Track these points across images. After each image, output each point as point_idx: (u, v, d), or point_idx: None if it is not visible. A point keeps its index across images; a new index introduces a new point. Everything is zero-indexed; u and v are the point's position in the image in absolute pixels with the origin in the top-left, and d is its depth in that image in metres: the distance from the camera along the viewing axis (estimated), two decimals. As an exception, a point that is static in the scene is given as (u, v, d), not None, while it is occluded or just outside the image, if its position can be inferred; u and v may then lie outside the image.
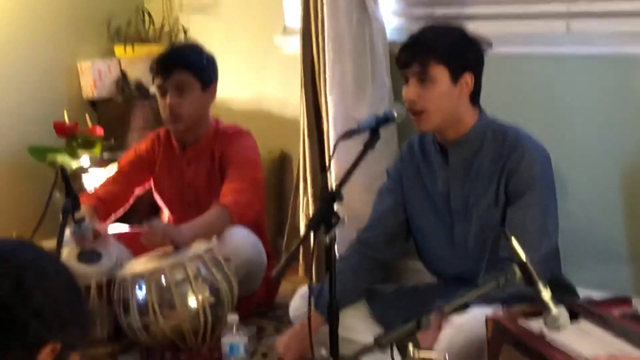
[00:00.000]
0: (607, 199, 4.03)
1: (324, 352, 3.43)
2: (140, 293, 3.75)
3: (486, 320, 3.03)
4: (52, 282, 1.73)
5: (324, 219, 3.19)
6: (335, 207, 3.19)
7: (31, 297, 1.69)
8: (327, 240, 3.20)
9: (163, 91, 4.23)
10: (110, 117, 5.42)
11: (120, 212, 4.43)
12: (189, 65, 4.22)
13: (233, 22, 5.29)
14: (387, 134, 3.96)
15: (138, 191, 4.48)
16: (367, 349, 2.58)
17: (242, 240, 4.13)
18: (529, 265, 2.58)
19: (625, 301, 3.13)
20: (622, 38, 3.96)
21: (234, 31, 5.27)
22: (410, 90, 3.39)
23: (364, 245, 3.62)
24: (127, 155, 4.52)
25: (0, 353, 1.66)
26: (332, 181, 4.28)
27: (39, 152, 5.14)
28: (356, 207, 4.18)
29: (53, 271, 1.76)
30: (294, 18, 4.91)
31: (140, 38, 5.50)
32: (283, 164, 5.10)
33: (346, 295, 3.46)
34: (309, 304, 3.32)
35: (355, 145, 3.34)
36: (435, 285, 3.67)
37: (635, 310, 3.03)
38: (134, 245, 4.07)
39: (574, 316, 2.92)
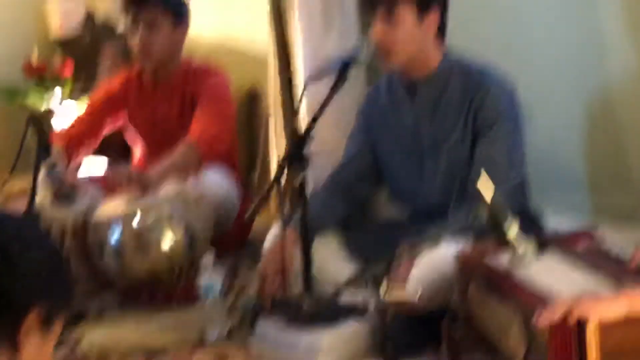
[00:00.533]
0: (570, 126, 4.07)
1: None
2: (115, 236, 3.75)
3: (455, 257, 3.05)
4: (35, 251, 1.75)
5: (296, 156, 3.24)
6: (305, 149, 3.24)
7: (16, 266, 1.72)
8: (298, 181, 3.26)
9: (134, 26, 4.19)
10: (79, 57, 5.37)
11: (91, 150, 4.42)
12: (160, 0, 4.18)
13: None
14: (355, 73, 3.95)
15: (108, 129, 4.45)
16: (342, 289, 2.63)
17: (215, 181, 4.11)
18: (496, 204, 2.63)
19: (589, 233, 3.18)
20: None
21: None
22: (378, 29, 3.40)
23: (336, 183, 3.65)
24: (98, 94, 4.50)
25: None
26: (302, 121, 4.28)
27: (9, 94, 5.12)
28: (327, 141, 4.20)
29: (36, 241, 1.78)
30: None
31: (107, -25, 5.44)
32: (253, 100, 5.09)
33: (323, 219, 3.51)
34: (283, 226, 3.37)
35: (321, 85, 3.38)
36: (404, 222, 3.69)
37: (598, 244, 3.07)
38: (108, 186, 4.06)
39: (541, 249, 2.98)
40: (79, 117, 4.47)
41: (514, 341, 2.71)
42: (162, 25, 4.19)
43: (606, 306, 2.48)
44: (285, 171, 3.37)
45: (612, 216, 3.94)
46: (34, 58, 5.17)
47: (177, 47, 4.28)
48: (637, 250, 2.88)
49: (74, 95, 5.10)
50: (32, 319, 1.75)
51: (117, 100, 4.41)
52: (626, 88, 3.91)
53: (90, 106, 4.46)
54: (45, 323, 1.77)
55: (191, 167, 4.08)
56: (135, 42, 4.21)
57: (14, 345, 1.73)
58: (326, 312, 3.23)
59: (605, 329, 2.46)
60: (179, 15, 4.24)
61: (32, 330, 1.75)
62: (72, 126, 4.42)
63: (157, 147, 4.33)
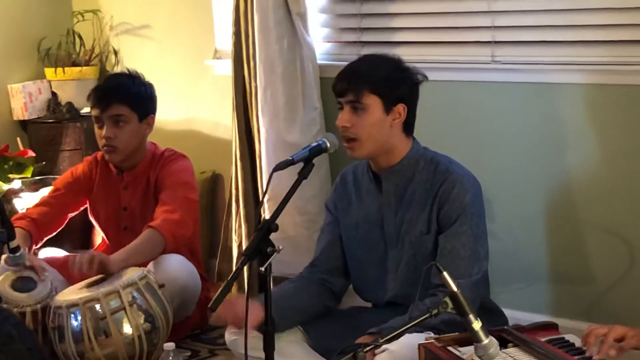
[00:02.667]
0: (531, 221, 4.09)
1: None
2: (76, 321, 3.75)
3: (419, 347, 3.04)
4: (15, 344, 1.76)
5: (259, 249, 3.23)
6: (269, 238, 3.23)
7: None
8: (263, 270, 3.24)
9: (100, 122, 4.22)
10: (41, 139, 5.37)
11: (53, 233, 4.39)
12: (126, 98, 4.21)
13: (164, 43, 5.27)
14: (319, 159, 3.97)
15: (72, 213, 4.44)
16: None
17: (177, 266, 4.12)
18: (460, 296, 2.64)
19: (551, 327, 3.19)
20: (543, 67, 4.02)
21: (165, 53, 5.26)
22: (344, 117, 3.42)
23: (312, 280, 3.61)
24: (64, 177, 4.49)
25: None
26: (266, 209, 4.28)
27: (-30, 176, 5.09)
28: (289, 228, 4.22)
29: (17, 335, 1.78)
30: (225, 41, 4.92)
31: (71, 60, 5.45)
32: (215, 184, 5.10)
33: (293, 310, 3.47)
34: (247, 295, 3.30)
35: (287, 173, 3.39)
36: (367, 309, 3.68)
37: (561, 336, 3.08)
38: (69, 270, 4.02)
39: (503, 344, 2.98)
40: (43, 199, 4.46)
41: None
42: (128, 121, 4.21)
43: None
44: (250, 262, 3.35)
45: (572, 310, 3.97)
46: (-5, 139, 5.17)
47: (143, 139, 4.30)
48: (602, 344, 2.91)
49: (35, 177, 5.06)
50: None
51: (83, 185, 4.41)
52: (585, 186, 3.96)
53: (55, 188, 4.44)
54: None
55: (155, 251, 4.08)
56: (100, 136, 4.23)
57: None
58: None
59: None
60: (145, 111, 4.27)
61: None
62: (36, 207, 4.40)
63: (120, 231, 4.33)
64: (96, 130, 4.26)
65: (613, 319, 3.12)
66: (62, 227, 4.42)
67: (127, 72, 4.46)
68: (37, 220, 4.28)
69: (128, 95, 4.22)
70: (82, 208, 4.45)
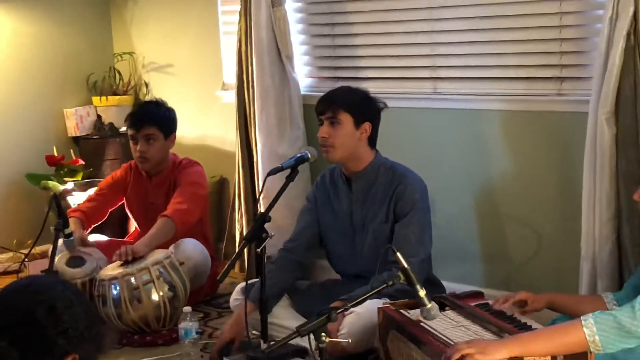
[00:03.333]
0: (463, 214, 4.09)
1: (255, 332, 3.45)
2: (115, 291, 3.74)
3: (378, 310, 3.06)
4: (75, 309, 1.73)
5: (256, 235, 3.23)
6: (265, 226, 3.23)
7: (60, 320, 1.70)
8: (259, 251, 3.24)
9: (135, 140, 4.19)
10: (89, 151, 5.34)
11: (99, 222, 4.36)
12: (155, 121, 4.18)
13: (184, 78, 5.24)
14: (302, 166, 3.97)
15: (112, 208, 4.41)
16: (291, 336, 2.60)
17: (192, 248, 4.10)
18: (410, 271, 2.64)
19: (478, 294, 3.20)
20: (473, 97, 4.00)
21: (185, 85, 5.23)
22: (324, 130, 3.44)
23: (289, 252, 3.61)
24: (106, 180, 4.45)
25: None
26: (261, 205, 4.26)
27: (34, 178, 5.06)
28: (279, 219, 4.20)
29: (76, 301, 1.76)
30: (230, 76, 4.89)
31: (112, 90, 5.42)
32: (222, 186, 5.08)
33: (275, 289, 3.47)
34: (245, 297, 3.36)
35: (278, 177, 3.39)
36: (339, 281, 3.68)
37: (486, 301, 3.08)
38: (110, 251, 4.01)
39: (442, 307, 2.99)
40: (90, 196, 4.43)
41: (424, 377, 2.70)
42: (156, 139, 4.18)
43: (491, 350, 2.48)
44: (249, 245, 3.36)
45: (495, 281, 3.98)
46: (55, 151, 5.13)
47: (167, 152, 4.27)
48: (495, 301, 2.94)
49: (84, 180, 5.04)
50: None
51: (120, 186, 4.38)
52: (504, 186, 3.96)
53: (100, 188, 4.42)
54: None
55: (169, 234, 4.05)
56: (135, 150, 4.21)
57: None
58: (278, 353, 3.20)
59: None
60: (169, 131, 4.23)
61: None
62: (85, 202, 4.37)
63: (148, 222, 4.29)
64: (132, 145, 4.23)
65: (525, 287, 3.11)
66: (106, 218, 4.39)
67: (155, 100, 4.44)
68: (87, 212, 4.25)
69: (156, 118, 4.19)
70: (119, 203, 4.42)
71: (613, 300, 2.85)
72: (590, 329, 2.43)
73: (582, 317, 2.46)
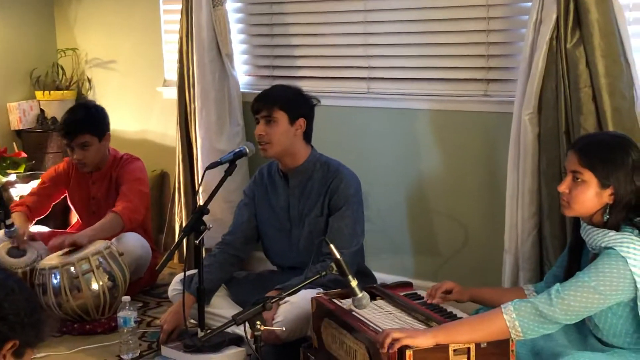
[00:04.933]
0: (395, 209, 4.09)
1: (193, 321, 3.41)
2: (55, 280, 3.67)
3: (312, 300, 3.04)
4: (16, 296, 1.73)
5: (195, 227, 3.19)
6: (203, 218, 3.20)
7: (1, 307, 1.69)
8: (197, 242, 3.21)
9: (71, 147, 4.12)
10: (31, 144, 5.22)
11: (42, 216, 4.30)
12: (87, 128, 4.09)
13: (126, 74, 5.16)
14: (240, 161, 3.94)
15: (55, 201, 4.34)
16: (227, 324, 2.58)
17: (133, 241, 4.06)
18: (342, 262, 2.63)
19: (407, 285, 3.21)
20: (405, 97, 4.01)
21: (127, 81, 5.15)
22: (260, 128, 3.41)
23: (227, 245, 3.56)
24: (48, 173, 4.37)
25: None
26: (200, 198, 4.22)
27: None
28: (217, 212, 4.17)
29: (18, 289, 1.76)
30: (171, 73, 4.83)
31: (55, 85, 5.31)
32: (163, 179, 5.01)
33: (213, 283, 3.45)
34: (183, 288, 3.33)
35: (216, 171, 3.36)
36: (275, 272, 3.65)
37: (414, 291, 3.10)
38: (50, 244, 3.94)
39: (373, 297, 2.99)
40: (33, 190, 4.35)
41: (356, 363, 2.70)
42: (92, 144, 4.11)
43: (419, 337, 2.50)
44: (187, 237, 3.33)
45: (424, 273, 4.00)
46: (-3, 144, 5.03)
47: (104, 151, 4.20)
48: (427, 296, 2.97)
49: (26, 173, 4.93)
50: (6, 349, 1.71)
51: (62, 180, 4.30)
52: (433, 182, 3.99)
53: (42, 181, 4.34)
54: (18, 352, 1.73)
55: (115, 230, 4.01)
56: (73, 157, 4.14)
57: None
58: (214, 341, 3.17)
59: (418, 353, 2.48)
60: (102, 131, 4.15)
61: (8, 357, 1.72)
62: (28, 196, 4.30)
63: (90, 215, 4.24)
64: (69, 152, 4.17)
65: (451, 278, 3.13)
66: (48, 211, 4.31)
67: (82, 103, 4.35)
68: (30, 206, 4.18)
69: (88, 125, 4.10)
70: (62, 197, 4.34)
71: (533, 291, 2.89)
72: (510, 316, 2.47)
73: (502, 305, 2.50)
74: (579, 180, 2.58)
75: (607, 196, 2.55)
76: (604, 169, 2.54)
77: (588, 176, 2.56)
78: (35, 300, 1.82)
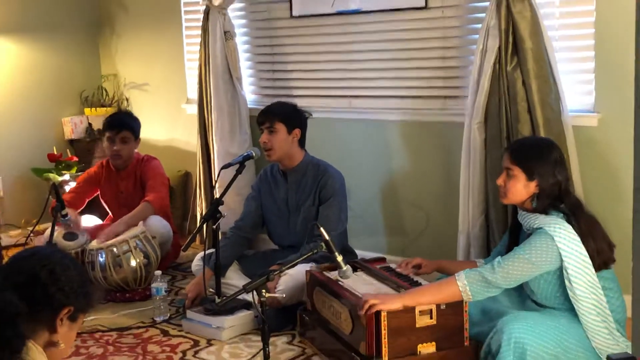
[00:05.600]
0: (371, 199, 4.09)
1: (211, 290, 3.42)
2: (102, 258, 3.67)
3: (306, 272, 3.07)
4: (70, 272, 1.73)
5: (213, 215, 3.20)
6: (219, 208, 3.20)
7: (58, 280, 1.70)
8: (214, 227, 3.22)
9: (112, 140, 4.10)
10: (81, 150, 5.21)
11: (78, 209, 4.20)
12: (130, 127, 4.10)
13: (156, 94, 5.14)
14: (248, 162, 3.94)
15: (89, 198, 4.29)
16: (238, 292, 2.59)
17: (158, 224, 4.01)
18: (330, 242, 2.65)
19: (382, 259, 3.23)
20: (379, 110, 4.01)
21: (157, 100, 5.13)
22: (264, 137, 3.43)
23: (238, 229, 3.57)
24: (83, 176, 4.32)
25: (35, 313, 1.65)
26: (217, 192, 4.22)
27: (38, 172, 4.92)
28: (230, 203, 4.16)
29: (71, 265, 1.76)
30: (193, 93, 4.82)
31: (100, 103, 5.30)
32: (187, 178, 4.99)
33: (228, 259, 3.45)
34: (204, 264, 3.33)
35: (229, 170, 3.36)
36: (277, 250, 3.66)
37: (388, 265, 3.12)
38: (94, 233, 3.94)
39: (354, 269, 3.01)
40: (71, 189, 4.33)
41: (344, 323, 2.72)
42: (129, 140, 4.10)
43: (390, 302, 2.51)
44: (206, 222, 3.33)
45: (394, 249, 4.01)
46: (54, 150, 5.00)
47: (133, 152, 4.18)
48: (398, 265, 2.98)
49: (78, 173, 4.92)
50: (63, 314, 1.71)
51: (94, 180, 4.26)
52: (402, 179, 3.99)
53: (78, 183, 4.30)
54: (73, 317, 1.74)
55: (146, 216, 3.96)
56: (111, 149, 4.11)
57: (52, 329, 1.70)
58: (229, 305, 3.19)
59: (390, 315, 2.50)
60: (137, 135, 4.17)
61: (64, 320, 1.71)
62: (68, 193, 4.26)
63: (120, 208, 4.19)
64: (107, 145, 4.13)
65: (417, 254, 3.15)
66: (83, 206, 4.26)
67: (126, 111, 4.36)
68: (69, 201, 4.11)
69: (130, 125, 4.11)
70: (95, 194, 4.30)
71: (482, 264, 2.91)
72: (462, 282, 2.49)
73: (456, 274, 2.52)
74: (511, 174, 2.60)
75: (533, 187, 2.57)
76: (529, 165, 2.57)
77: (517, 171, 2.59)
78: (86, 275, 1.84)
